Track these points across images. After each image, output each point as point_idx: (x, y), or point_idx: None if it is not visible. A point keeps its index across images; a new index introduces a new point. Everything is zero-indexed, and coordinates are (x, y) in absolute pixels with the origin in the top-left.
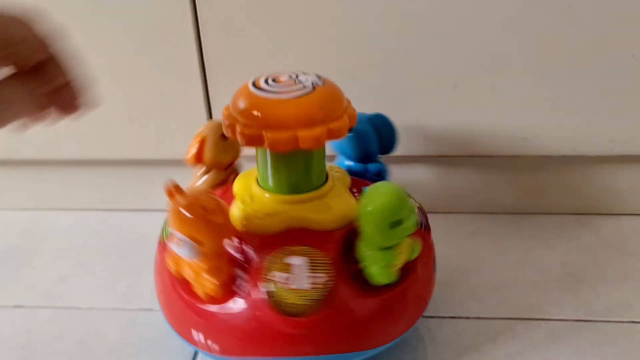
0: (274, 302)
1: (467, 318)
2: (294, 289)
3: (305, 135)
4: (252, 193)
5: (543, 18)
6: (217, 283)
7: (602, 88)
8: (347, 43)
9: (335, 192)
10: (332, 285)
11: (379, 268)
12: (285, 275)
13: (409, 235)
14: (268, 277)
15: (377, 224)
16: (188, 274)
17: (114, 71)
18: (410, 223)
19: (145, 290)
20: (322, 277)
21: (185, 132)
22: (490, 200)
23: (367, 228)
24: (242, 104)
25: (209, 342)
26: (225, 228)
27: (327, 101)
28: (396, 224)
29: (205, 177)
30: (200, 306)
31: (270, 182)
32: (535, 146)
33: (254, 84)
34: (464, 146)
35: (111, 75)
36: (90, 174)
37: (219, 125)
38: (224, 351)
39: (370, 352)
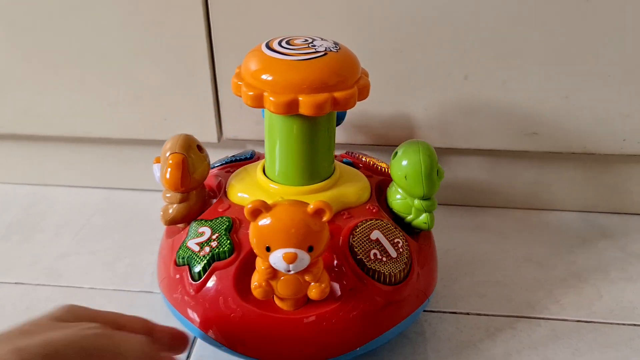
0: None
1: (467, 314)
2: (387, 261)
3: (308, 101)
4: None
5: (559, 12)
6: (325, 284)
7: (616, 85)
8: (358, 32)
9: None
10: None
11: (428, 215)
12: (374, 251)
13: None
14: (360, 257)
15: (427, 175)
16: (292, 291)
17: (121, 49)
18: (442, 170)
19: (146, 271)
20: (400, 241)
21: (191, 112)
22: (496, 194)
23: (413, 182)
24: (250, 63)
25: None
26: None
27: (335, 68)
28: (438, 172)
29: (186, 200)
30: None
31: (275, 170)
32: (545, 142)
33: (267, 45)
34: (472, 139)
35: (118, 53)
36: (95, 151)
37: (190, 140)
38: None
39: (371, 346)
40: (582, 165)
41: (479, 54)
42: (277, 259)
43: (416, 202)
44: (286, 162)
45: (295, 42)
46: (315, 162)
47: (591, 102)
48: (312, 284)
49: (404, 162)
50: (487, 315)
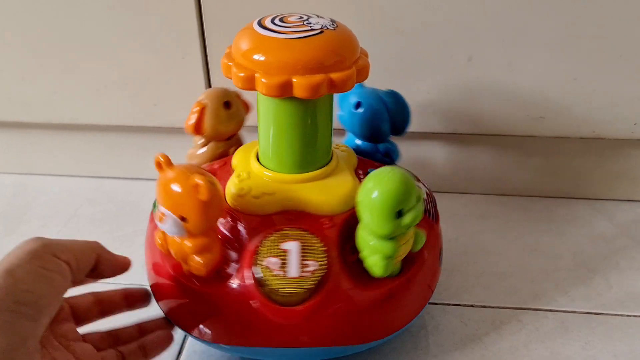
0: (263, 289)
1: (472, 306)
2: (283, 277)
3: (302, 83)
4: (251, 169)
5: None
6: (202, 262)
7: (628, 66)
8: (357, 10)
9: (338, 173)
10: (323, 275)
11: (379, 259)
12: (278, 261)
13: (414, 226)
14: (259, 262)
15: (380, 212)
16: (175, 251)
17: (108, 31)
18: (416, 213)
19: (136, 263)
20: (313, 265)
21: (182, 98)
22: (501, 181)
23: (368, 216)
24: (240, 43)
25: (200, 327)
26: (214, 205)
27: (331, 47)
28: (401, 213)
29: (204, 148)
30: (192, 289)
31: (270, 158)
32: (553, 127)
33: (259, 22)
34: (476, 124)
35: (105, 35)
36: (83, 139)
37: (221, 93)
38: (214, 338)
39: (373, 344)
40: (591, 150)
41: (483, 34)
42: (155, 214)
43: (372, 241)
44: (280, 149)
45: (290, 19)
46: (310, 149)
47: (601, 84)
48: (193, 256)
49: (367, 186)
50: (492, 307)
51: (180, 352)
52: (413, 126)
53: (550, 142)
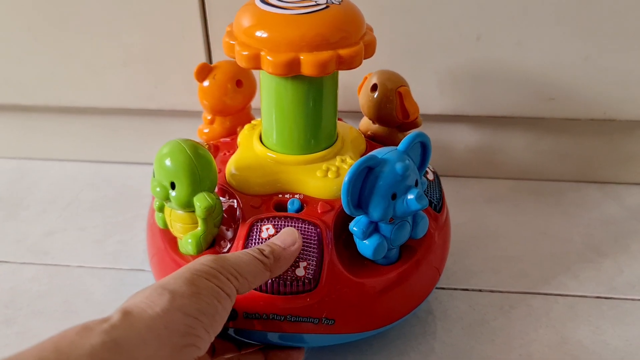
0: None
1: (480, 291)
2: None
3: (310, 60)
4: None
5: None
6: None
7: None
8: None
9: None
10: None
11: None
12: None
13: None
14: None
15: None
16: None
17: (107, 11)
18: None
19: (137, 249)
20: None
21: (183, 79)
22: (510, 165)
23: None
24: (243, 20)
25: None
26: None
27: (339, 22)
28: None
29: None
30: None
31: (272, 138)
32: (563, 108)
33: None
34: (484, 105)
35: (103, 15)
36: (82, 122)
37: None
38: None
39: (378, 330)
40: (602, 133)
41: (492, 13)
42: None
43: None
44: (282, 130)
45: None
46: (313, 130)
47: (613, 63)
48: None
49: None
50: (501, 292)
51: None
52: (420, 108)
53: (560, 124)
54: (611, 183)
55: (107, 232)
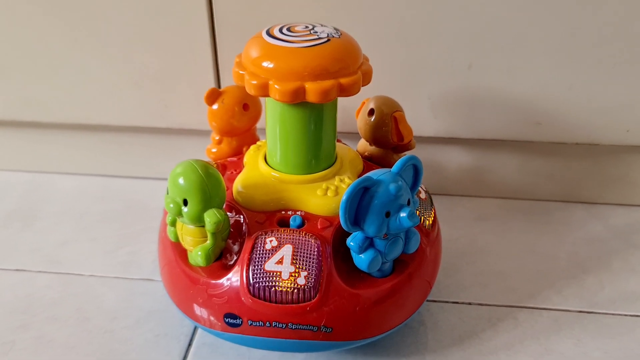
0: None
1: (470, 304)
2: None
3: (314, 88)
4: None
5: (564, 2)
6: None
7: (621, 76)
8: (362, 17)
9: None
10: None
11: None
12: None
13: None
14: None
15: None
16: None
17: (122, 35)
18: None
19: (146, 259)
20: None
21: (192, 100)
22: (500, 184)
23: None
24: (252, 52)
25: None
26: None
27: (340, 54)
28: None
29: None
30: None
31: (277, 159)
32: (549, 132)
33: (267, 32)
34: (475, 129)
35: (119, 38)
36: (95, 138)
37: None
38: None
39: (373, 339)
40: (587, 155)
41: (483, 43)
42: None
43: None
44: (286, 151)
45: (297, 29)
46: (318, 150)
47: (595, 92)
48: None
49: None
50: (489, 305)
51: (190, 344)
52: (414, 130)
53: (547, 147)
54: (596, 204)
55: (118, 243)
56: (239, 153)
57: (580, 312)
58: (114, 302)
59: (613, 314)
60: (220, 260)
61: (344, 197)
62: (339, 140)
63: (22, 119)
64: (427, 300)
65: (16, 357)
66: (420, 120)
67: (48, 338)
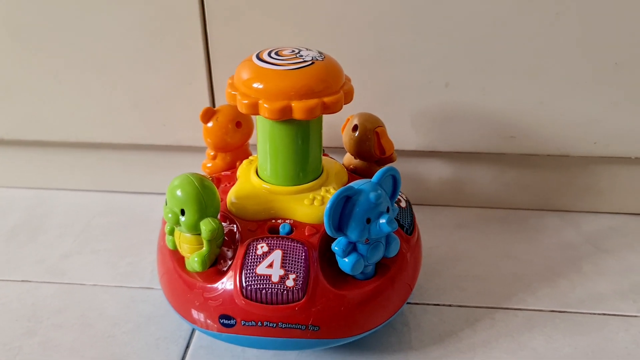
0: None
1: (449, 306)
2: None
3: (300, 106)
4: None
5: (533, 25)
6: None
7: (587, 92)
8: (343, 39)
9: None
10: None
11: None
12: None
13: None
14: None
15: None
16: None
17: (122, 58)
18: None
19: (145, 270)
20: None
21: (188, 119)
22: (477, 194)
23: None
24: (243, 74)
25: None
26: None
27: (323, 75)
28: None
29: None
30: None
31: (267, 172)
32: (522, 145)
33: (257, 56)
34: (454, 142)
35: (119, 61)
36: (96, 156)
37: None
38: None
39: (358, 337)
40: (558, 166)
41: (459, 63)
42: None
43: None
44: (275, 164)
45: (284, 52)
46: (305, 164)
47: (564, 107)
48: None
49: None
50: (468, 307)
51: (187, 347)
52: (396, 144)
53: (521, 159)
54: (569, 211)
55: (118, 255)
56: (232, 167)
57: (552, 311)
58: (116, 309)
59: (583, 313)
60: (215, 266)
61: (328, 205)
62: (325, 154)
63: (26, 138)
64: (410, 303)
65: None
66: (401, 135)
67: (53, 343)
